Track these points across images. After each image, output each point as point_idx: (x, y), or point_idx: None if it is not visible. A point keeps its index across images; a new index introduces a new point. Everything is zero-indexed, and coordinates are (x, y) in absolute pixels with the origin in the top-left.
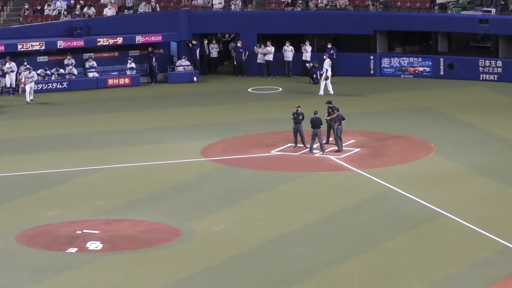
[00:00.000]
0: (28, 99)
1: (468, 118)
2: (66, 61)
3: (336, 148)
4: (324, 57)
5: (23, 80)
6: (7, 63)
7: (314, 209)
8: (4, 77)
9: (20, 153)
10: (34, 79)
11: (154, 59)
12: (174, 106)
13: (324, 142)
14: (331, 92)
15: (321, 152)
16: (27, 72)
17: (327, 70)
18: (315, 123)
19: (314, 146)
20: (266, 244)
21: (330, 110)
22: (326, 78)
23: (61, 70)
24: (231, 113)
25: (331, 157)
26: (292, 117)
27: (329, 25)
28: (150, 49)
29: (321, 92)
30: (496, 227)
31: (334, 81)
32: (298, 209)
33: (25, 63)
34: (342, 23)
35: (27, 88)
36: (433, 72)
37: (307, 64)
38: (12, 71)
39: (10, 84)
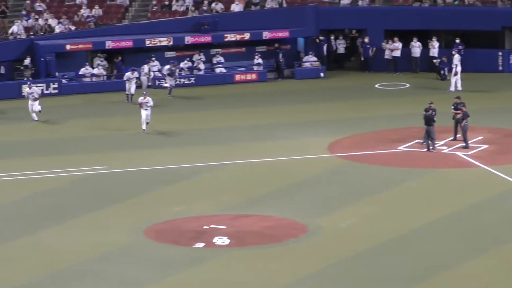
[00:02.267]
0: (143, 127)
1: None
2: (195, 57)
3: (463, 144)
4: (453, 52)
5: (139, 101)
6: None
7: (441, 206)
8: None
9: (148, 148)
10: (150, 105)
11: (281, 55)
12: (300, 102)
13: (451, 138)
14: (460, 88)
15: (431, 148)
16: (144, 98)
17: (456, 65)
18: (427, 121)
19: (442, 142)
20: (393, 241)
21: (455, 105)
22: (455, 74)
23: (189, 64)
24: (358, 109)
25: (458, 153)
26: (425, 112)
27: (456, 21)
28: (277, 45)
29: (452, 88)
30: None
31: (462, 77)
32: (425, 205)
33: (153, 58)
34: (470, 19)
35: (143, 114)
36: None
37: (434, 60)
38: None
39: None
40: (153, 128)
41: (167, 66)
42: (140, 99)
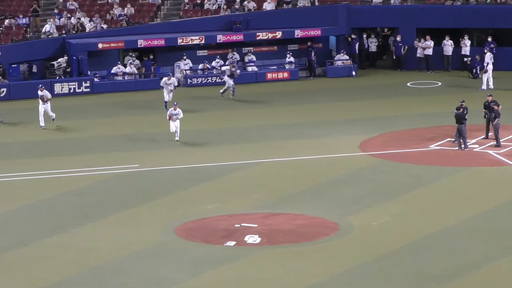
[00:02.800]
0: (177, 137)
1: None
2: (229, 55)
3: (495, 143)
4: (485, 50)
5: (168, 113)
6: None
7: (473, 204)
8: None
9: (179, 147)
10: (180, 117)
11: (313, 53)
12: (332, 100)
13: (483, 137)
14: (491, 86)
15: (463, 146)
16: (174, 110)
17: (487, 64)
18: (458, 119)
19: (474, 140)
20: (425, 239)
21: (487, 104)
22: (486, 72)
23: (221, 62)
24: (389, 108)
25: (490, 152)
26: (456, 111)
27: (488, 19)
28: (309, 43)
29: (484, 86)
30: None
31: (493, 76)
32: (457, 204)
33: (185, 56)
34: (502, 17)
35: (172, 126)
36: None
37: (465, 59)
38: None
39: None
40: (183, 127)
41: (227, 67)
42: (170, 110)
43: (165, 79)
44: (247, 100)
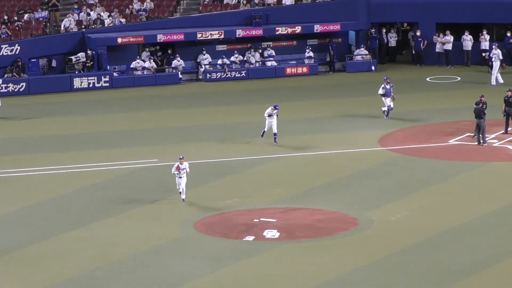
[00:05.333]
0: (183, 196)
1: None
2: (247, 54)
3: None
4: (493, 47)
5: (174, 167)
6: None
7: (492, 199)
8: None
9: (198, 142)
10: (187, 171)
11: (332, 48)
12: (351, 95)
13: (502, 132)
14: (501, 81)
15: (482, 142)
16: (180, 163)
17: (493, 59)
18: (477, 114)
19: (493, 135)
20: (444, 234)
21: (507, 99)
22: (502, 66)
23: (240, 57)
24: (409, 103)
25: (509, 147)
26: (475, 106)
27: (508, 14)
28: (329, 40)
29: (493, 82)
30: None
31: (499, 71)
32: (476, 199)
33: (204, 52)
34: None
35: (178, 184)
36: None
37: (484, 54)
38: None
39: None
40: (201, 121)
41: (382, 85)
42: (175, 166)
43: (269, 109)
44: (267, 95)
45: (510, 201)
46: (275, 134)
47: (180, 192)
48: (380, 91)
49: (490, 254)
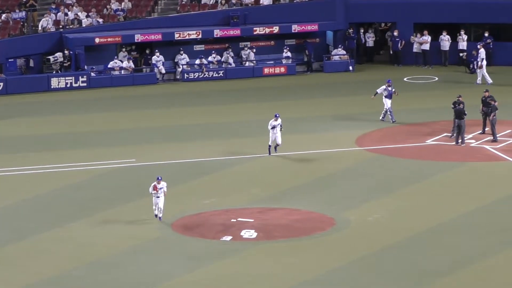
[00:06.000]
0: (157, 213)
1: None
2: (225, 53)
3: (492, 138)
4: (478, 46)
5: (152, 185)
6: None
7: (470, 199)
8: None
9: (176, 142)
10: (164, 190)
11: (310, 48)
12: (329, 95)
13: (479, 132)
14: (490, 81)
15: (460, 142)
16: (158, 183)
17: (482, 59)
18: (458, 114)
19: (470, 136)
20: (421, 234)
21: (483, 99)
22: (480, 67)
23: (218, 57)
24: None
25: (487, 147)
26: (452, 106)
27: (486, 14)
28: (308, 40)
29: (479, 81)
30: None
31: (491, 71)
32: (454, 199)
33: (182, 52)
34: (500, 12)
35: (155, 203)
36: None
37: (461, 54)
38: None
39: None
40: (179, 121)
41: (383, 87)
42: (153, 186)
43: (272, 120)
44: (245, 95)
45: (488, 201)
46: (277, 145)
47: (156, 214)
48: (382, 92)
49: (468, 254)
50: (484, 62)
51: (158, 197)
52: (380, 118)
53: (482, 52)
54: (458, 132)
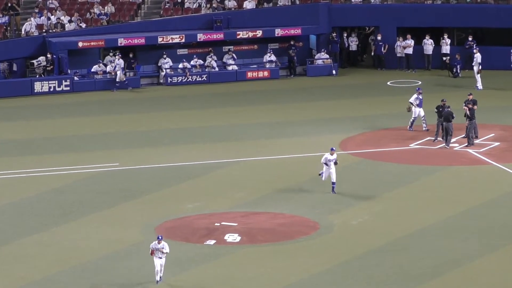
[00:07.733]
0: (158, 277)
1: None
2: (208, 58)
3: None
4: (474, 50)
5: (151, 249)
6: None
7: (453, 203)
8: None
9: (160, 146)
10: (165, 251)
11: (293, 52)
12: (312, 99)
13: (462, 136)
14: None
15: (445, 144)
16: (158, 243)
17: (479, 64)
18: (446, 117)
19: (454, 139)
20: (404, 238)
21: (466, 102)
22: (479, 72)
23: (200, 61)
24: (369, 107)
25: (470, 151)
26: (436, 110)
27: (469, 18)
28: (292, 42)
29: (479, 85)
30: None
31: (472, 75)
32: (437, 203)
33: (165, 55)
34: (483, 16)
35: (157, 264)
36: None
37: (444, 58)
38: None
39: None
40: (164, 125)
41: (414, 96)
42: (154, 244)
43: (326, 155)
44: (228, 99)
45: (471, 205)
46: (333, 183)
47: (157, 281)
48: (413, 101)
49: (452, 258)
50: (476, 67)
51: (160, 257)
52: (408, 128)
53: (478, 57)
54: (446, 134)
